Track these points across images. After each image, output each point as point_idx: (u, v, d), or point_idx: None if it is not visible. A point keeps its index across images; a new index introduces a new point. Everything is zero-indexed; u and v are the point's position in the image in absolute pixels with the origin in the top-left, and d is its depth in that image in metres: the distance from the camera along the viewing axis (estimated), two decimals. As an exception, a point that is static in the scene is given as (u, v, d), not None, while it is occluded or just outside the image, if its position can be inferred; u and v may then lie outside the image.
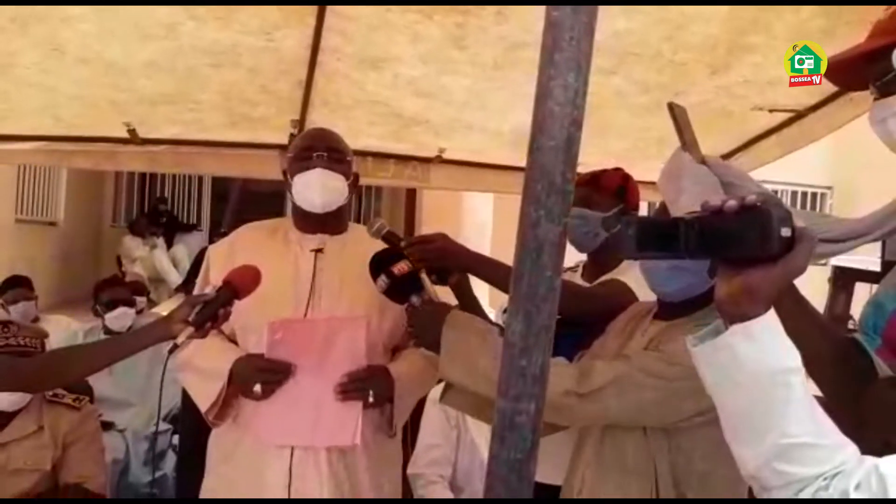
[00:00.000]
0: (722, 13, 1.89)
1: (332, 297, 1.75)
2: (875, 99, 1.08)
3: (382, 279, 1.58)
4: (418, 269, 1.59)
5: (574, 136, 0.61)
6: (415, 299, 1.56)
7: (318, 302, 1.75)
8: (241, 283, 1.54)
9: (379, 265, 1.60)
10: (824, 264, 5.29)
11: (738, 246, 0.77)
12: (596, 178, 1.97)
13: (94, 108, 2.66)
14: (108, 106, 2.65)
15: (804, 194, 8.63)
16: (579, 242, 1.95)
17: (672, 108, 1.22)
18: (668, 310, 1.44)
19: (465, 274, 1.69)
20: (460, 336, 1.43)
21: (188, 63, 2.32)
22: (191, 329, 1.45)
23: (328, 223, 1.80)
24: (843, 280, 4.58)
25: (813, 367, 1.10)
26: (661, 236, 0.82)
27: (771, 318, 0.79)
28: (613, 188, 1.94)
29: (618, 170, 2.04)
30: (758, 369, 0.78)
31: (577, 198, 1.94)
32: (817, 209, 8.41)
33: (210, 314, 1.47)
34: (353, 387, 1.67)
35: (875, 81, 1.07)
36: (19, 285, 3.95)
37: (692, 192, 1.14)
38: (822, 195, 9.05)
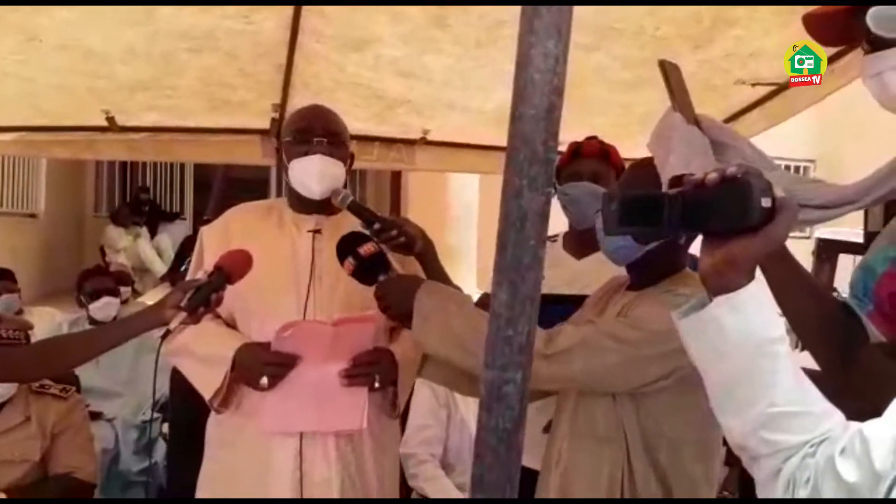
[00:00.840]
0: (703, -16, 1.88)
1: (331, 278, 1.73)
2: (866, 52, 1.02)
3: (350, 261, 1.58)
4: (384, 249, 1.60)
5: (555, 103, 0.61)
6: (382, 279, 1.56)
7: (318, 284, 1.73)
8: (233, 268, 1.53)
9: (346, 248, 1.60)
10: (808, 237, 5.34)
11: (720, 218, 0.78)
12: (577, 149, 1.96)
13: (73, 96, 2.62)
14: (87, 94, 2.61)
15: (787, 168, 8.66)
16: (578, 219, 1.94)
17: (663, 65, 1.18)
18: (639, 279, 1.46)
19: (430, 243, 1.68)
20: (435, 302, 1.43)
21: (165, 48, 2.29)
22: (183, 314, 1.44)
23: (324, 204, 1.77)
24: (827, 252, 4.62)
25: (802, 330, 1.11)
26: (645, 211, 0.82)
27: (755, 289, 0.80)
28: (596, 153, 1.97)
29: (591, 139, 2.04)
30: (743, 340, 0.78)
31: (587, 172, 1.95)
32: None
33: (202, 299, 1.46)
34: (358, 371, 1.67)
35: (869, 34, 1.00)
36: (2, 278, 3.91)
37: (682, 153, 1.11)
38: (805, 168, 9.11)
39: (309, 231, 1.77)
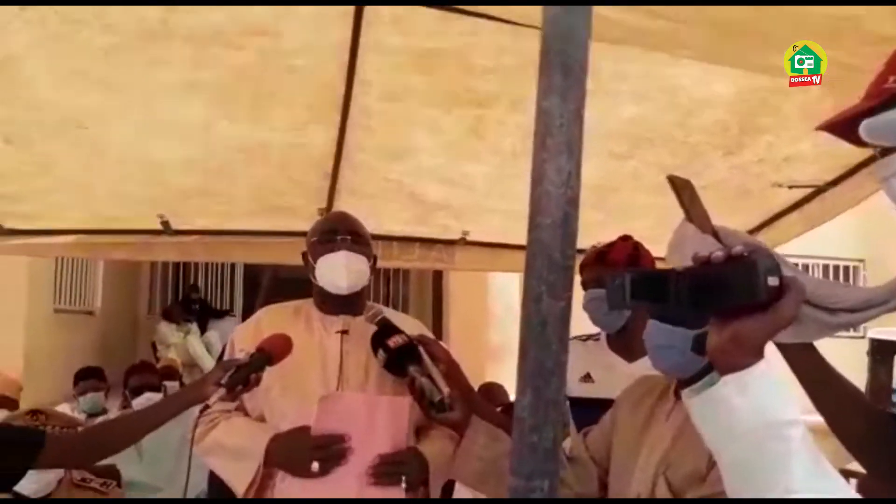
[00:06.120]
0: (727, 97, 1.94)
1: (359, 378, 1.76)
2: (878, 157, 1.02)
3: (381, 353, 1.65)
4: (414, 342, 1.65)
5: (570, 214, 0.64)
6: (413, 369, 1.60)
7: (346, 384, 1.75)
8: (274, 350, 1.58)
9: (377, 341, 1.67)
10: (861, 336, 5.16)
11: (727, 296, 0.77)
12: (602, 255, 1.96)
13: (130, 202, 2.79)
14: (144, 200, 2.77)
15: (836, 267, 8.50)
16: (604, 324, 1.95)
17: (672, 180, 1.21)
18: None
19: (454, 365, 1.71)
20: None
21: (222, 159, 2.44)
22: (222, 391, 1.48)
23: (350, 304, 1.82)
24: (882, 353, 4.47)
25: (851, 443, 1.07)
26: (653, 287, 0.82)
27: (764, 368, 0.77)
28: (622, 259, 1.93)
29: (626, 239, 2.01)
30: (753, 421, 0.75)
31: (591, 279, 1.95)
32: (850, 282, 8.21)
33: (242, 378, 1.51)
34: (385, 469, 1.65)
35: None
36: (91, 377, 3.86)
37: None
38: (855, 268, 8.91)
39: (337, 332, 1.80)
